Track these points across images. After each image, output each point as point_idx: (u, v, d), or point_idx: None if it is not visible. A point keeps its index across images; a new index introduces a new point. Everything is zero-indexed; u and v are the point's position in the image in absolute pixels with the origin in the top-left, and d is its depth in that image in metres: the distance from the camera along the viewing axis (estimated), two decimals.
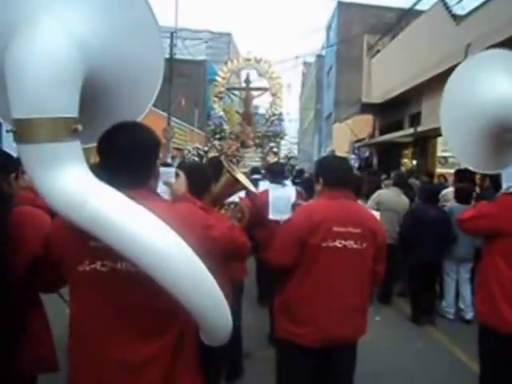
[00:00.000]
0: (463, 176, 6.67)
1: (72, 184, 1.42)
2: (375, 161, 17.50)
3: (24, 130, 1.39)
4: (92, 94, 1.59)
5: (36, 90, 1.37)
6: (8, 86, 1.39)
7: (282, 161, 13.59)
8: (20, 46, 1.39)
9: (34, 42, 1.40)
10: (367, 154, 17.82)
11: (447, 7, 11.61)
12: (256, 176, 8.61)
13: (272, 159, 13.13)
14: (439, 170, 12.14)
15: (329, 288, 2.58)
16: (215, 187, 2.76)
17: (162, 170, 2.01)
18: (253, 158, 13.28)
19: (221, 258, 1.88)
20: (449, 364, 4.66)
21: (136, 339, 1.59)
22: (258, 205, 4.37)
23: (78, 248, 1.58)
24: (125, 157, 1.58)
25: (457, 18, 11.23)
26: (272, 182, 4.99)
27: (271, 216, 4.39)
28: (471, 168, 3.44)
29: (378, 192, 6.76)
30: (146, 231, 1.43)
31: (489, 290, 2.94)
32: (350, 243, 2.58)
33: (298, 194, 4.66)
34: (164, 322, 1.62)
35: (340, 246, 2.57)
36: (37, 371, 2.10)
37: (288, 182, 5.29)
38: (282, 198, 4.43)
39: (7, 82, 1.39)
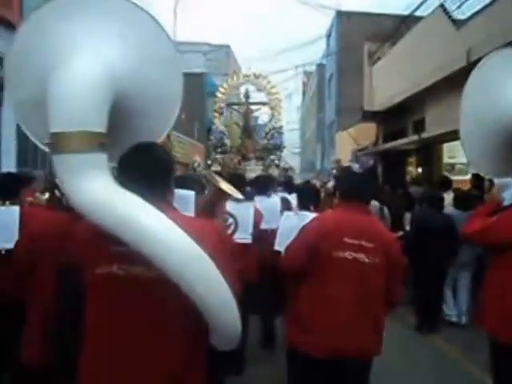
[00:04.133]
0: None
1: (99, 190, 1.61)
2: (380, 170, 17.23)
3: (59, 142, 1.63)
4: (118, 117, 1.83)
5: (70, 107, 1.62)
6: (48, 104, 1.65)
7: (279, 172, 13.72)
8: (60, 70, 1.68)
9: (71, 68, 1.69)
10: (371, 162, 17.55)
11: (447, 12, 11.43)
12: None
13: (274, 171, 13.33)
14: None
15: (337, 299, 2.58)
16: (202, 199, 2.83)
17: (178, 193, 2.16)
18: (254, 171, 13.41)
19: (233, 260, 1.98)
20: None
21: (150, 342, 1.68)
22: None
23: (98, 252, 1.72)
24: (147, 174, 1.76)
25: (457, 23, 11.04)
26: (258, 193, 5.14)
27: (263, 226, 4.53)
28: (483, 174, 3.45)
29: None
30: (167, 235, 1.57)
31: (505, 304, 2.84)
32: (362, 256, 2.58)
33: (286, 202, 4.97)
34: (177, 326, 1.70)
35: (350, 257, 2.58)
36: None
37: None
38: (268, 208, 4.67)
39: (48, 102, 1.66)
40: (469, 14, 10.68)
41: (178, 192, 2.23)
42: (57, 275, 2.03)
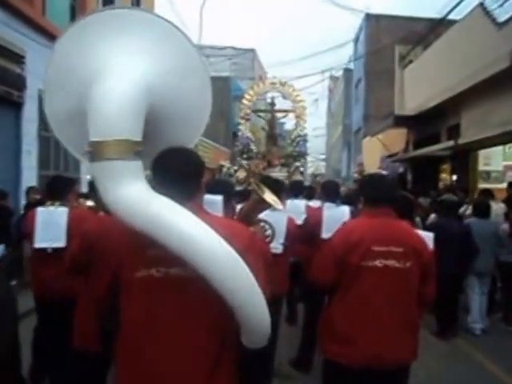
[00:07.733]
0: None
1: (136, 194, 1.69)
2: (410, 177, 16.61)
3: (98, 150, 1.70)
4: (152, 127, 1.92)
5: (108, 118, 1.70)
6: (88, 116, 1.74)
7: (308, 179, 13.61)
8: (98, 84, 1.75)
9: (108, 82, 1.76)
10: (401, 170, 16.93)
11: (487, 12, 10.84)
12: None
13: (298, 178, 13.13)
14: (482, 186, 11.30)
15: (368, 308, 2.56)
16: (244, 206, 2.83)
17: (207, 198, 2.15)
18: (278, 177, 13.23)
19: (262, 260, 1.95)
20: None
21: (187, 340, 1.76)
22: (310, 223, 4.54)
23: (136, 256, 1.80)
24: (179, 176, 1.82)
25: (498, 23, 10.46)
26: (326, 200, 4.88)
27: (324, 235, 4.30)
28: None
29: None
30: (198, 235, 1.63)
31: None
32: (392, 262, 2.55)
33: (352, 213, 4.60)
34: (209, 321, 1.78)
35: (380, 265, 2.55)
36: None
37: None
38: (335, 217, 4.34)
39: (88, 114, 1.74)
40: (511, 13, 10.08)
41: (206, 197, 2.26)
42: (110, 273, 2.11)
